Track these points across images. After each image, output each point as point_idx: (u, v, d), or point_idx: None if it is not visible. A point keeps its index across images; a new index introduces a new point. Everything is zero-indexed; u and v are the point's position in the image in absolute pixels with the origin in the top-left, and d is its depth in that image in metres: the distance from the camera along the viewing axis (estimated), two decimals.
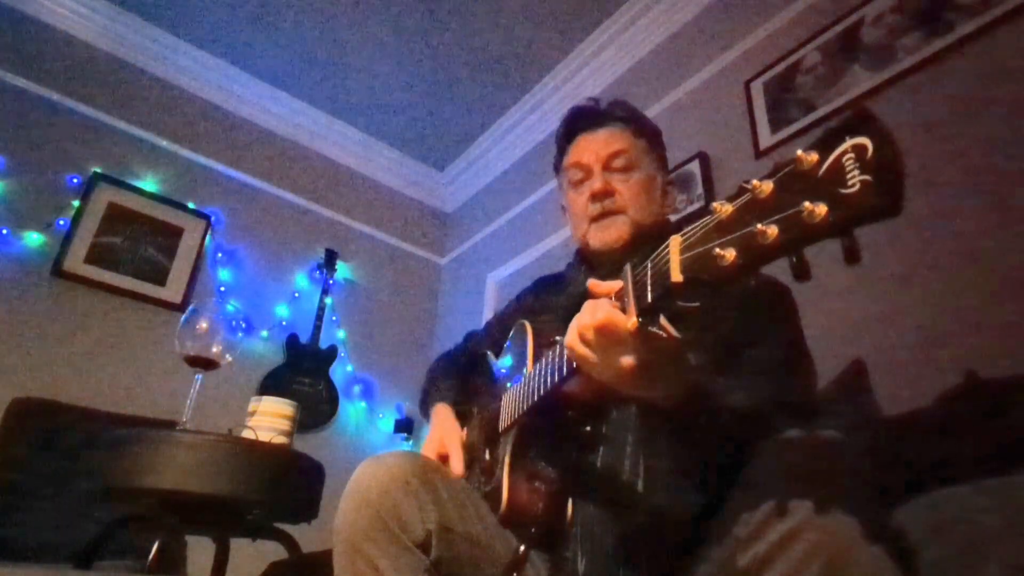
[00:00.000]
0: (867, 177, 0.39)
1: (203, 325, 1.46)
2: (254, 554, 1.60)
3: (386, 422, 3.21)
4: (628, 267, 0.64)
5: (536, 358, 0.93)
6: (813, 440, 0.63)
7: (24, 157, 2.52)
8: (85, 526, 1.73)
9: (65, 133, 2.66)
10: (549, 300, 1.15)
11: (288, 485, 1.40)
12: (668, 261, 0.55)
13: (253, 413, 1.44)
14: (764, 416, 0.74)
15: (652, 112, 2.47)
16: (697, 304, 0.56)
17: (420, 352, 3.48)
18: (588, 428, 0.90)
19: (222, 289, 2.88)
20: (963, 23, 1.56)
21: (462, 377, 1.25)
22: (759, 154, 1.99)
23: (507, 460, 0.92)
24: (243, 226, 3.06)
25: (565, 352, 0.75)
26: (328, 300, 3.16)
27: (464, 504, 0.88)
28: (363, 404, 3.18)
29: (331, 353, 3.07)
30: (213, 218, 2.93)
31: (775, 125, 1.97)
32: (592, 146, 1.08)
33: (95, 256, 2.56)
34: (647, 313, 0.60)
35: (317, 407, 2.94)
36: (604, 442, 0.88)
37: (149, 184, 2.81)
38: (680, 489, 0.80)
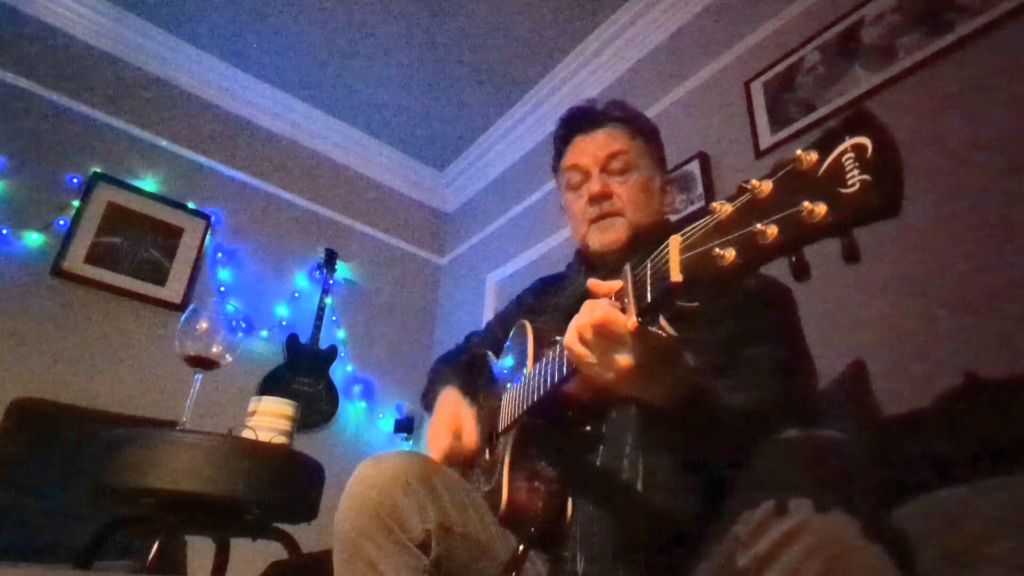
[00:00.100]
0: (867, 177, 0.39)
1: (203, 325, 1.46)
2: (254, 554, 1.60)
3: (386, 422, 3.21)
4: (628, 267, 0.64)
5: (536, 358, 0.93)
6: (813, 440, 0.64)
7: (24, 157, 2.52)
8: (85, 526, 1.72)
9: (65, 133, 2.66)
10: (549, 300, 1.15)
11: (288, 485, 1.40)
12: (668, 261, 0.55)
13: (253, 413, 1.44)
14: (764, 416, 0.74)
15: (652, 112, 2.47)
16: (697, 304, 0.56)
17: (420, 352, 3.48)
18: (588, 428, 0.90)
19: (222, 289, 2.88)
20: (963, 23, 1.56)
21: (464, 375, 1.25)
22: (759, 154, 1.99)
23: (507, 460, 0.92)
24: (243, 226, 3.06)
25: (565, 352, 0.75)
26: (328, 300, 3.16)
27: (464, 504, 0.88)
28: (363, 404, 3.18)
29: (331, 353, 3.07)
30: (213, 218, 2.93)
31: (775, 125, 1.97)
32: (590, 148, 1.09)
33: (95, 256, 2.56)
34: (647, 313, 0.60)
35: (317, 407, 2.94)
36: (604, 442, 0.88)
37: (149, 184, 2.81)
38: (680, 489, 0.81)
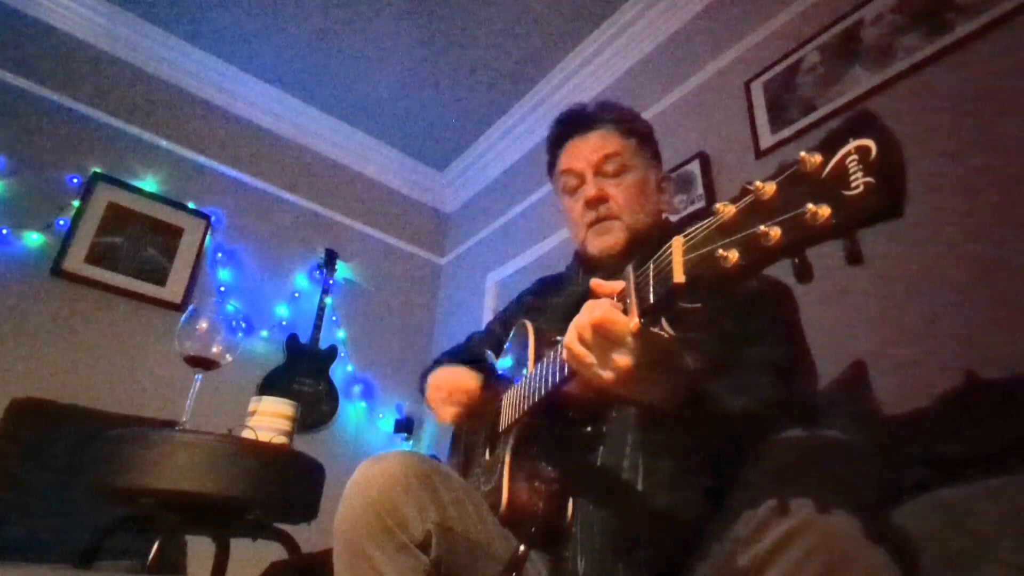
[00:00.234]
0: (870, 179, 0.39)
1: (203, 325, 1.46)
2: (254, 554, 1.60)
3: (386, 422, 3.21)
4: (630, 268, 0.64)
5: (537, 358, 0.93)
6: (813, 440, 0.63)
7: (24, 157, 2.52)
8: (85, 526, 1.72)
9: (65, 133, 2.66)
10: (550, 300, 1.15)
11: (288, 485, 1.40)
12: (671, 262, 0.55)
13: (253, 413, 1.44)
14: (764, 417, 0.74)
15: (652, 112, 2.47)
16: (699, 305, 0.56)
17: (420, 352, 3.48)
18: (588, 428, 0.90)
19: (222, 289, 2.88)
20: (963, 23, 1.56)
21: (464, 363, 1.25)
22: (759, 154, 1.99)
23: (507, 460, 0.92)
24: (243, 226, 3.06)
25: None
26: (328, 300, 3.16)
27: (464, 504, 0.88)
28: (363, 404, 3.18)
29: (331, 353, 3.07)
30: (213, 218, 2.93)
31: (775, 125, 1.97)
32: (583, 151, 1.08)
33: (95, 256, 2.56)
34: (649, 313, 0.60)
35: (317, 407, 2.94)
36: (604, 442, 0.88)
37: (149, 184, 2.81)
38: (680, 489, 0.80)
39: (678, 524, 0.79)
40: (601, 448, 0.88)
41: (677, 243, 0.55)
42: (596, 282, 0.70)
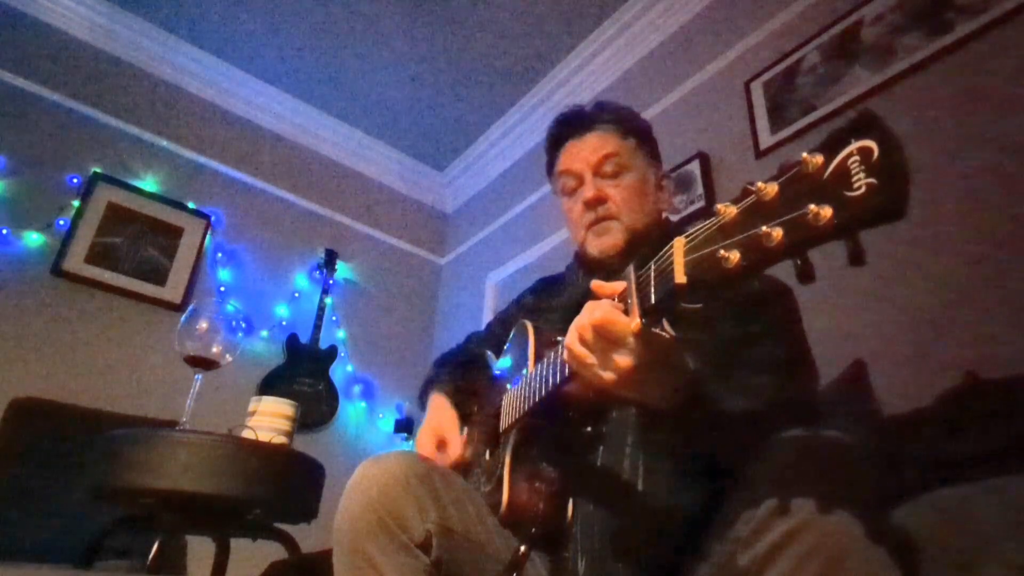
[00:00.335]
0: (872, 180, 0.39)
1: (203, 325, 1.46)
2: (254, 554, 1.60)
3: (386, 422, 3.21)
4: (631, 268, 0.64)
5: (538, 358, 0.93)
6: (813, 440, 0.63)
7: (24, 157, 2.52)
8: (85, 526, 1.72)
9: (65, 133, 2.66)
10: (550, 301, 1.15)
11: (288, 485, 1.40)
12: (672, 262, 0.55)
13: (253, 413, 1.44)
14: (764, 417, 0.74)
15: (652, 112, 2.47)
16: (700, 305, 0.56)
17: (420, 352, 3.48)
18: (588, 429, 0.90)
19: (222, 289, 2.88)
20: (963, 23, 1.56)
21: (463, 374, 1.25)
22: (759, 154, 1.99)
23: (507, 460, 0.92)
24: (243, 226, 3.06)
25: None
26: (328, 300, 3.16)
27: (464, 504, 0.88)
28: (363, 404, 3.18)
29: (331, 353, 3.07)
30: (213, 218, 2.93)
31: (775, 125, 1.97)
32: (581, 152, 1.08)
33: (95, 256, 2.56)
34: (650, 314, 0.60)
35: (317, 407, 2.94)
36: (604, 442, 0.88)
37: (149, 184, 2.81)
38: (680, 489, 0.80)
39: (678, 524, 0.79)
40: (601, 448, 0.88)
41: (678, 244, 0.55)
42: (597, 283, 0.70)
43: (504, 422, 0.99)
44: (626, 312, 0.63)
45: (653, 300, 0.59)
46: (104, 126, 2.77)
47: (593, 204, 1.05)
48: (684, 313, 0.58)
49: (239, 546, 1.56)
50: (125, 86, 2.90)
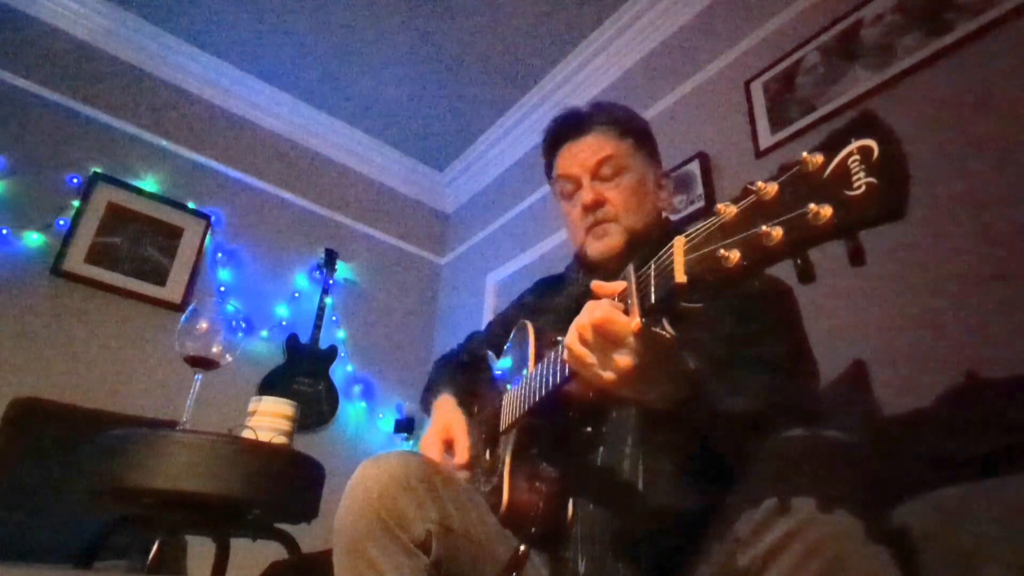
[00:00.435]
0: (872, 179, 0.39)
1: (203, 325, 1.46)
2: (254, 554, 1.60)
3: (386, 422, 3.21)
4: (631, 268, 0.64)
5: (538, 359, 0.93)
6: (814, 440, 0.63)
7: (24, 157, 2.52)
8: (85, 526, 1.72)
9: (65, 133, 2.66)
10: (550, 301, 1.15)
11: (288, 485, 1.40)
12: (672, 262, 0.55)
13: (253, 413, 1.44)
14: (764, 418, 0.74)
15: (652, 112, 2.47)
16: (700, 305, 0.56)
17: (420, 352, 3.48)
18: (589, 428, 0.91)
19: (222, 289, 2.87)
20: (963, 23, 1.56)
21: (464, 375, 1.25)
22: (759, 154, 1.99)
23: (508, 460, 0.92)
24: (243, 226, 3.06)
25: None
26: (328, 300, 3.16)
27: (464, 504, 0.88)
28: (363, 404, 3.18)
29: (331, 353, 3.07)
30: (213, 218, 2.93)
31: (775, 125, 1.97)
32: (579, 156, 1.08)
33: (95, 256, 2.56)
34: (650, 314, 0.60)
35: (317, 407, 2.94)
36: (604, 442, 0.88)
37: (149, 184, 2.81)
38: (680, 489, 0.80)
39: (678, 524, 0.79)
40: (601, 448, 0.88)
41: (678, 243, 0.56)
42: (597, 283, 0.70)
43: (504, 422, 0.99)
44: (626, 312, 0.63)
45: (653, 300, 0.59)
46: (104, 126, 2.77)
47: (591, 207, 1.04)
48: (684, 313, 0.58)
49: (239, 546, 1.56)
50: (125, 86, 2.89)
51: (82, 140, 2.69)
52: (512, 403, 0.97)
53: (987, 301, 1.35)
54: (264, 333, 2.94)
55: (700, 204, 2.11)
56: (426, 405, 1.26)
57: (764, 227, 0.45)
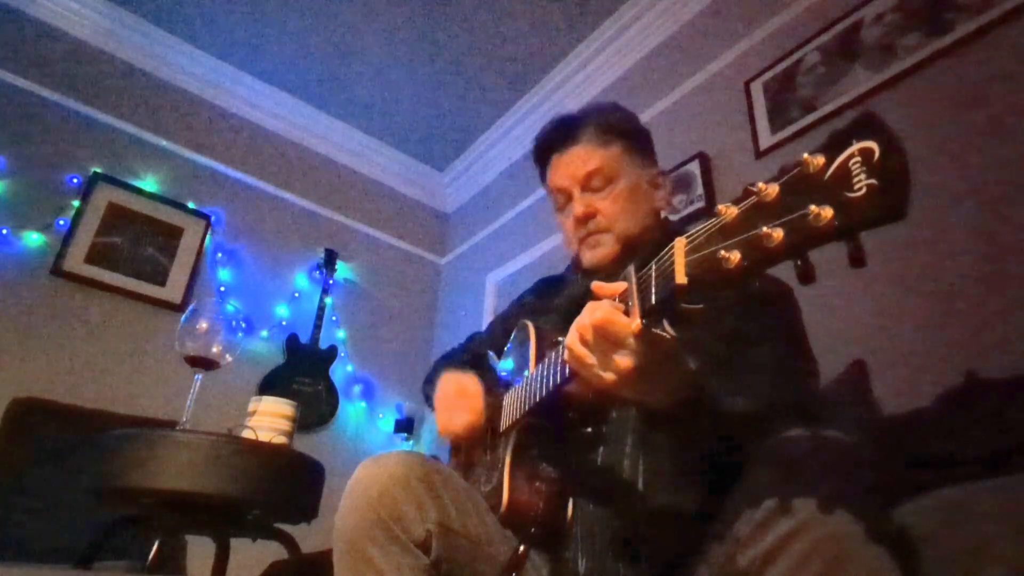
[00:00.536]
0: (873, 181, 0.39)
1: (203, 325, 1.46)
2: (254, 554, 1.60)
3: (386, 422, 3.21)
4: (632, 268, 0.64)
5: (539, 359, 0.93)
6: (814, 440, 0.63)
7: (24, 157, 2.52)
8: (85, 526, 1.72)
9: (65, 133, 2.66)
10: (551, 301, 1.15)
11: (288, 485, 1.40)
12: (672, 263, 0.55)
13: (253, 413, 1.44)
14: (765, 417, 0.74)
15: (652, 112, 2.47)
16: (701, 306, 0.56)
17: (420, 352, 3.48)
18: (589, 429, 0.91)
19: (222, 289, 2.88)
20: (963, 23, 1.56)
21: (466, 369, 1.25)
22: (759, 154, 1.99)
23: (508, 460, 0.92)
24: (243, 226, 3.06)
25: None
26: (328, 300, 3.16)
27: (464, 504, 0.88)
28: (363, 404, 3.18)
29: (331, 353, 3.07)
30: (213, 218, 2.93)
31: (775, 125, 1.97)
32: (567, 169, 1.06)
33: (95, 256, 2.56)
34: (651, 315, 0.60)
35: (317, 407, 2.94)
36: (604, 442, 0.88)
37: (149, 184, 2.81)
38: (680, 489, 0.80)
39: (678, 524, 0.79)
40: (601, 448, 0.88)
41: (679, 244, 0.56)
42: (598, 284, 0.70)
43: (505, 422, 0.99)
44: (627, 313, 0.63)
45: (654, 300, 0.59)
46: (104, 126, 2.77)
47: (583, 220, 1.03)
48: (685, 314, 0.58)
49: (239, 546, 1.56)
50: (125, 86, 2.90)
51: (82, 140, 2.69)
52: (512, 403, 0.97)
53: (987, 301, 1.35)
54: (264, 333, 2.94)
55: (700, 204, 2.11)
56: (427, 392, 1.25)
57: (765, 228, 0.45)
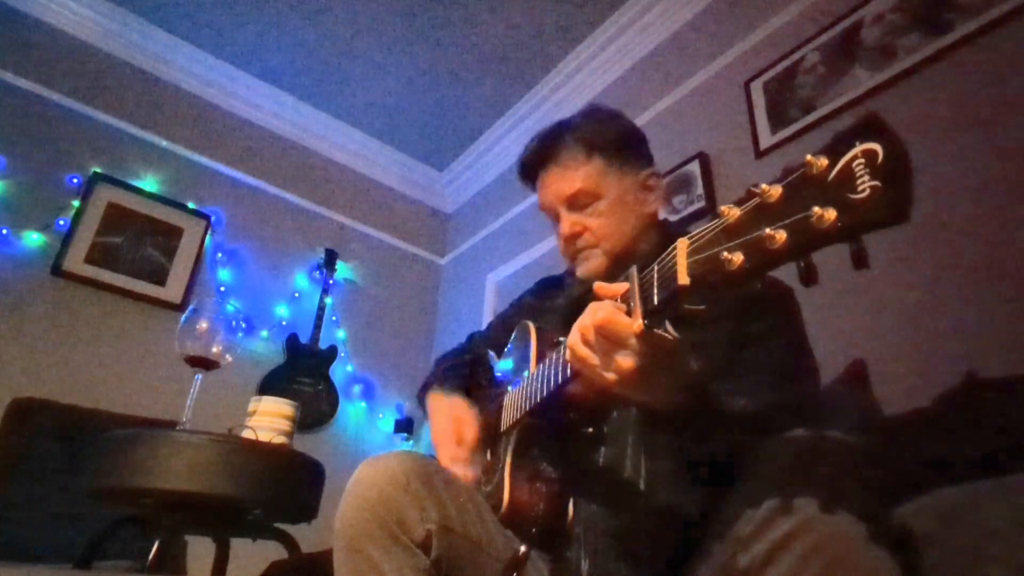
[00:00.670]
0: (877, 183, 0.39)
1: (203, 325, 1.46)
2: (254, 554, 1.60)
3: (386, 422, 3.21)
4: (634, 269, 0.64)
5: (539, 359, 0.93)
6: (814, 440, 0.64)
7: (24, 157, 2.51)
8: (85, 526, 1.72)
9: (65, 133, 2.66)
10: (551, 302, 1.15)
11: (288, 485, 1.40)
12: (675, 264, 0.55)
13: (253, 413, 1.44)
14: (765, 419, 0.74)
15: (652, 112, 2.48)
16: (703, 307, 0.56)
17: (420, 352, 3.48)
18: (590, 429, 0.91)
19: (222, 289, 2.87)
20: (963, 23, 1.56)
21: (464, 376, 1.25)
22: (759, 154, 1.99)
23: (508, 460, 0.93)
24: (243, 226, 3.06)
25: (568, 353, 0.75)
26: (328, 300, 3.16)
27: (465, 504, 0.89)
28: (363, 404, 3.18)
29: (331, 353, 3.07)
30: (213, 218, 2.93)
31: (775, 125, 1.97)
32: (551, 189, 1.05)
33: (95, 256, 2.56)
34: (653, 315, 0.60)
35: (317, 407, 2.94)
36: (605, 443, 0.88)
37: (149, 184, 2.81)
38: (681, 488, 0.80)
39: (679, 524, 0.79)
40: (603, 448, 0.88)
41: (682, 245, 0.56)
42: (600, 284, 0.70)
43: (505, 422, 0.99)
44: (629, 313, 0.63)
45: (656, 301, 0.59)
46: (104, 126, 2.77)
47: (571, 239, 1.03)
48: (687, 315, 0.58)
49: (239, 546, 1.56)
50: (125, 86, 2.89)
51: (82, 140, 2.69)
52: (513, 403, 0.97)
53: (987, 301, 1.35)
54: (264, 333, 2.94)
55: (700, 204, 2.11)
56: (420, 399, 1.25)
57: (768, 230, 0.45)
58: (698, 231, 0.54)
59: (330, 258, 3.26)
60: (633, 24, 2.67)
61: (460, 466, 1.00)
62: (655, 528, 0.81)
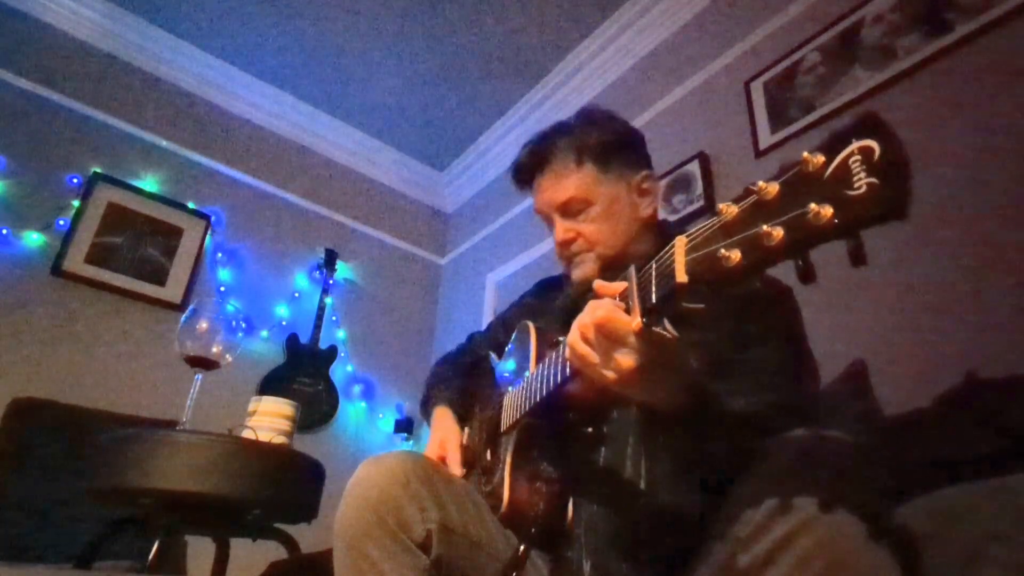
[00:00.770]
0: (873, 180, 0.39)
1: (203, 325, 1.46)
2: (254, 554, 1.60)
3: (386, 422, 3.21)
4: (633, 268, 0.64)
5: (539, 359, 0.93)
6: (814, 440, 0.63)
7: (24, 157, 2.52)
8: (85, 526, 1.72)
9: (65, 133, 2.66)
10: (551, 302, 1.15)
11: (288, 485, 1.40)
12: (673, 262, 0.55)
13: (253, 413, 1.44)
14: (765, 417, 0.74)
15: (652, 112, 2.48)
16: (702, 306, 0.56)
17: (420, 352, 3.48)
18: (590, 428, 0.90)
19: (222, 289, 2.88)
20: (963, 23, 1.56)
21: (464, 378, 1.25)
22: (759, 154, 1.99)
23: (508, 460, 0.92)
24: (243, 226, 3.06)
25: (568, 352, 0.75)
26: (328, 300, 3.16)
27: (465, 504, 0.89)
28: (363, 404, 3.18)
29: (331, 353, 3.07)
30: (213, 218, 2.93)
31: (775, 125, 1.97)
32: (543, 196, 1.06)
33: (95, 256, 2.56)
34: (651, 313, 0.60)
35: (317, 407, 2.94)
36: (605, 443, 0.88)
37: (149, 184, 2.81)
38: (681, 488, 0.80)
39: (680, 524, 0.79)
40: (603, 448, 0.88)
41: (680, 243, 0.56)
42: (599, 283, 0.70)
43: (505, 422, 0.99)
44: (627, 311, 0.63)
45: (654, 299, 0.59)
46: (104, 126, 2.77)
47: (565, 245, 1.03)
48: (686, 313, 0.58)
49: (239, 546, 1.56)
50: (125, 86, 2.90)
51: (82, 140, 2.69)
52: (513, 404, 0.97)
53: (987, 301, 1.35)
54: (264, 333, 2.94)
55: (700, 204, 2.12)
56: (425, 412, 1.26)
57: (765, 227, 0.45)
58: (696, 229, 0.54)
59: (330, 258, 3.26)
60: (633, 24, 2.67)
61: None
62: (655, 528, 0.81)
